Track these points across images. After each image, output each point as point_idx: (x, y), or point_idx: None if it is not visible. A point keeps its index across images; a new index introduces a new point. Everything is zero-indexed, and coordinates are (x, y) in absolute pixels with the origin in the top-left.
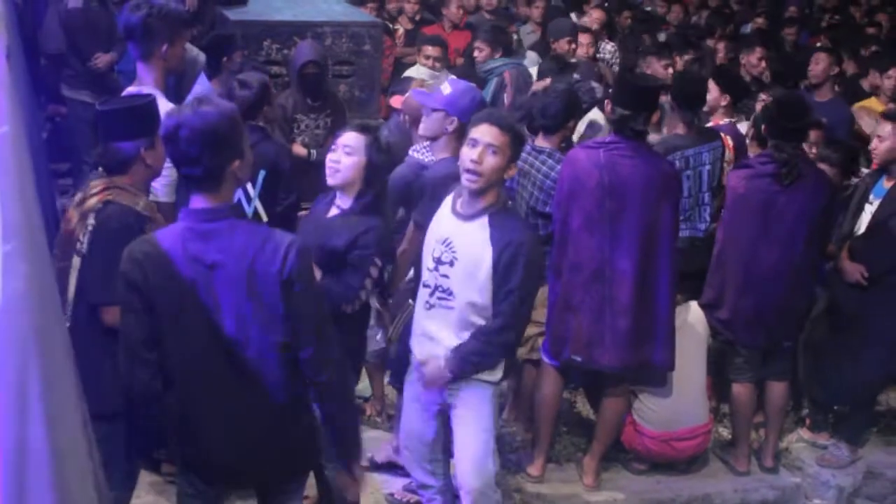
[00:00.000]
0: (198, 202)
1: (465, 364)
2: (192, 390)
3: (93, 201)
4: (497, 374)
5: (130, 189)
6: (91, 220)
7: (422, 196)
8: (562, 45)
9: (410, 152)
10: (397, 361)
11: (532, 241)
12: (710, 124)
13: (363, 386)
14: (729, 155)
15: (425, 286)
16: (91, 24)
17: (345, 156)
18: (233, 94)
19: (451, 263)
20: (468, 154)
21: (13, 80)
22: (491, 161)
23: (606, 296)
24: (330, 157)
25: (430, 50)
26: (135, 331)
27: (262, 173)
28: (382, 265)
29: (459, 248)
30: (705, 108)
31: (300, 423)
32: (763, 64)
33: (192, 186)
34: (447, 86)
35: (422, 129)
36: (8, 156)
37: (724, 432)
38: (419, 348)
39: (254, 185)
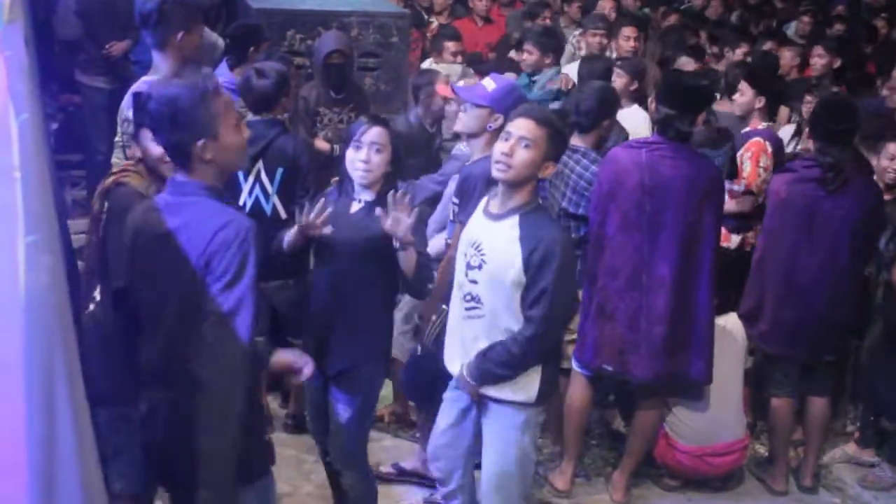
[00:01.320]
0: (177, 175)
1: (484, 373)
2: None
3: (109, 181)
4: (529, 393)
5: (144, 174)
6: (105, 206)
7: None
8: (591, 39)
9: (462, 148)
10: (417, 371)
11: (565, 241)
12: (746, 129)
13: (386, 392)
14: (766, 161)
15: (458, 294)
16: (109, 9)
17: (375, 153)
18: (250, 84)
19: (480, 267)
20: (500, 147)
21: (30, 68)
22: (523, 155)
23: (642, 303)
24: (355, 155)
25: (450, 45)
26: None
27: (279, 170)
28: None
29: (488, 250)
30: (738, 112)
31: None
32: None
33: (173, 161)
34: (490, 82)
35: (460, 125)
36: (30, 143)
37: (761, 449)
38: (454, 361)
39: (272, 182)
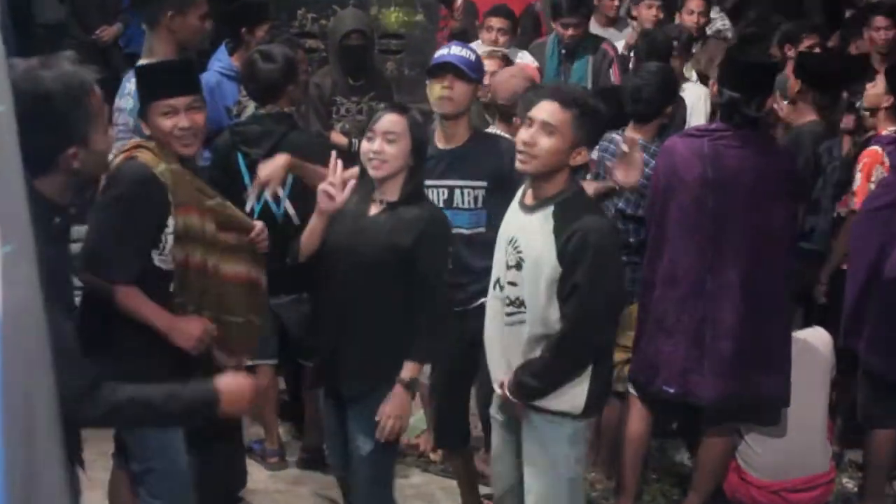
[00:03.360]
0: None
1: (521, 386)
2: None
3: (119, 159)
4: (575, 402)
5: (158, 152)
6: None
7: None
8: (645, 12)
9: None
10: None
11: (604, 229)
12: (869, 133)
13: (417, 418)
14: (881, 173)
15: (496, 300)
16: None
17: (387, 144)
18: (254, 69)
19: (519, 266)
20: (521, 135)
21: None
22: (546, 143)
23: (707, 314)
24: (367, 147)
25: (494, 21)
26: None
27: None
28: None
29: (525, 247)
30: (865, 105)
31: None
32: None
33: None
34: (465, 49)
35: (449, 105)
36: (7, 140)
37: (849, 484)
38: (497, 377)
39: (283, 185)
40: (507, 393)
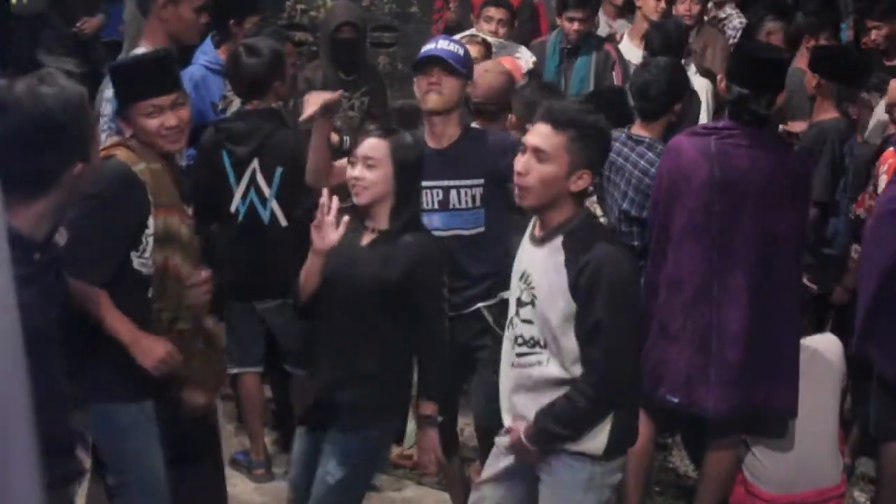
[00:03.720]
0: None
1: (543, 433)
2: None
3: None
4: (596, 443)
5: (137, 149)
6: None
7: None
8: (648, 3)
9: None
10: None
11: (617, 258)
12: (891, 131)
13: (410, 428)
14: None
15: (508, 339)
16: None
17: (367, 170)
18: (239, 63)
19: (533, 304)
20: (516, 164)
21: None
22: (538, 171)
23: (713, 320)
24: (350, 172)
25: (492, 11)
26: None
27: (279, 170)
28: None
29: (537, 282)
30: (886, 102)
31: None
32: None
33: (10, 193)
34: (452, 43)
35: (438, 102)
36: None
37: (861, 498)
38: (505, 416)
39: (269, 184)
40: (526, 440)
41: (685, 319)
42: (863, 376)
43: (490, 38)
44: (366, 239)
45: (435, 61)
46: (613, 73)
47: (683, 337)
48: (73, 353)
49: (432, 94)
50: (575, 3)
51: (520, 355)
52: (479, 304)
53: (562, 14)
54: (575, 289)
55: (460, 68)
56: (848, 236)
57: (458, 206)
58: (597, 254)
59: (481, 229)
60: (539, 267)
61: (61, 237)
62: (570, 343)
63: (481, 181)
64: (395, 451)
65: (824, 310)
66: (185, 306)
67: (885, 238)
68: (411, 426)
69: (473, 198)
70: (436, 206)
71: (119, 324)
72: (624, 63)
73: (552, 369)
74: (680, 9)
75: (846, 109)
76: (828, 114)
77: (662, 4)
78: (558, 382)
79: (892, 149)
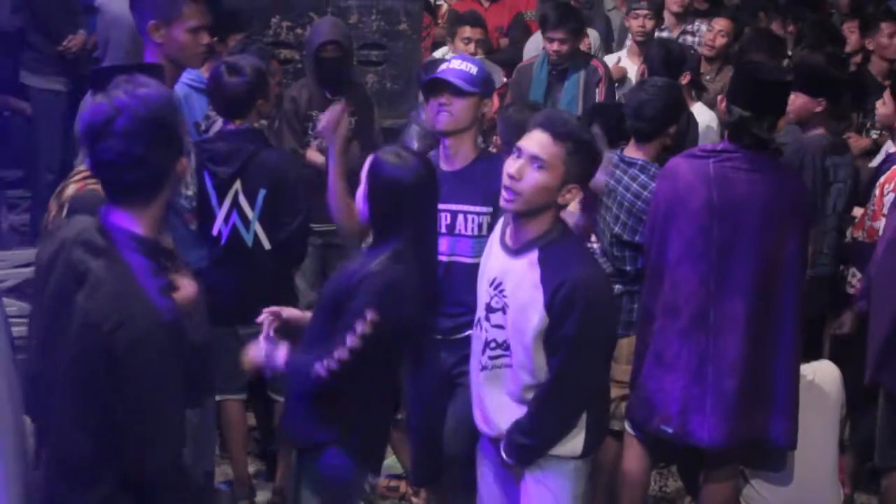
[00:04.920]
0: (123, 220)
1: (515, 448)
2: None
3: (71, 189)
4: (573, 448)
5: None
6: (65, 213)
7: None
8: (631, 22)
9: None
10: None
11: (594, 278)
12: (892, 150)
13: (390, 462)
14: None
15: (477, 341)
16: None
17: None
18: (220, 82)
19: (504, 311)
20: (507, 166)
21: None
22: (533, 178)
23: (710, 348)
24: (361, 193)
25: (468, 31)
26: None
27: (262, 191)
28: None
29: (510, 294)
30: (879, 128)
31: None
32: None
33: (118, 199)
34: (466, 63)
35: (448, 122)
36: None
37: None
38: (478, 421)
39: (252, 206)
40: (505, 456)
41: (681, 347)
42: (862, 405)
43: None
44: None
45: (442, 85)
46: (597, 90)
47: (678, 365)
48: None
49: (442, 114)
50: (555, 22)
51: (492, 358)
52: (469, 332)
53: (543, 33)
54: (551, 306)
55: (471, 88)
56: (837, 257)
57: (463, 231)
58: (574, 273)
59: None
60: (513, 278)
61: (166, 240)
62: (535, 360)
63: (489, 209)
64: (381, 482)
65: (817, 333)
66: None
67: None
68: (391, 458)
69: (480, 226)
70: (443, 229)
71: None
72: (610, 79)
73: (524, 377)
74: (633, 24)
75: (836, 125)
76: (812, 129)
77: (641, 23)
78: (528, 387)
79: (895, 168)
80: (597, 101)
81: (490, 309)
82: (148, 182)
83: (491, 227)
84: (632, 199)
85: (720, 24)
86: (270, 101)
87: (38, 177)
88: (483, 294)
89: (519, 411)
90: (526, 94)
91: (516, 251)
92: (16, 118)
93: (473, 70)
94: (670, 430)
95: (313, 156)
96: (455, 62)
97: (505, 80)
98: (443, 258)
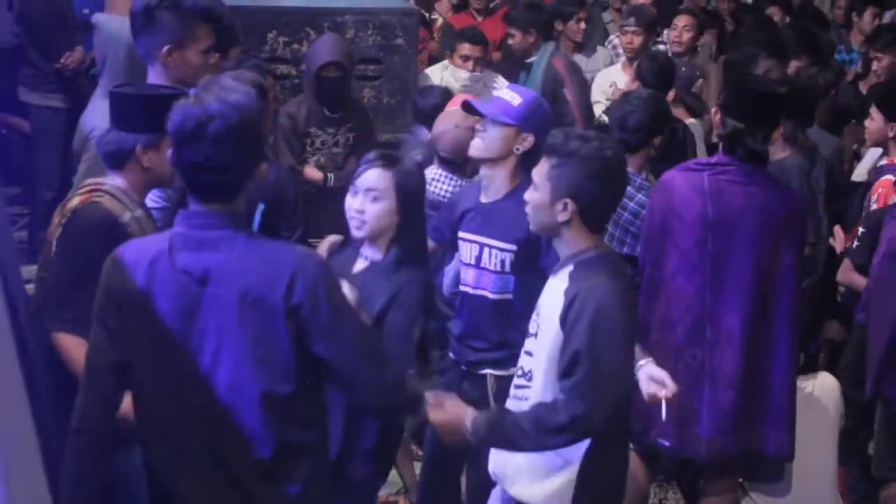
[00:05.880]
0: (197, 205)
1: (492, 434)
2: (161, 439)
3: (75, 201)
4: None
5: (121, 198)
6: (64, 223)
7: None
8: (621, 39)
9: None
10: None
11: (607, 288)
12: (883, 162)
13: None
14: None
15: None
16: (57, 10)
17: (370, 203)
18: None
19: (536, 335)
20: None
21: None
22: (531, 198)
23: (706, 362)
24: (351, 202)
25: (468, 49)
26: (102, 357)
27: (260, 207)
28: (425, 323)
29: (543, 312)
30: (868, 142)
31: (292, 482)
32: None
33: (202, 197)
34: (512, 93)
35: (479, 149)
36: None
37: None
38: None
39: (251, 222)
40: (471, 427)
41: (677, 361)
42: (861, 417)
43: (465, 73)
44: (358, 265)
45: (475, 111)
46: (565, 92)
47: (675, 379)
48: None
49: (476, 139)
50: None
51: (517, 387)
52: (488, 370)
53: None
54: (564, 318)
55: (508, 120)
56: (820, 267)
57: (487, 266)
58: (590, 283)
59: (508, 296)
60: (547, 296)
61: None
62: (553, 380)
63: (513, 248)
64: (380, 496)
65: (811, 343)
66: None
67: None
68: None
69: (502, 262)
70: (472, 260)
71: None
72: (575, 80)
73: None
74: (623, 40)
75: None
76: (781, 152)
77: (629, 39)
78: None
79: (885, 178)
80: (570, 101)
81: (528, 334)
82: (231, 184)
83: (514, 266)
84: (618, 211)
85: (682, 20)
86: (269, 117)
87: (37, 194)
88: (531, 323)
89: (520, 458)
90: None
91: (556, 269)
92: (13, 135)
93: (517, 101)
94: (667, 444)
95: (311, 172)
96: (504, 91)
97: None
98: (467, 289)
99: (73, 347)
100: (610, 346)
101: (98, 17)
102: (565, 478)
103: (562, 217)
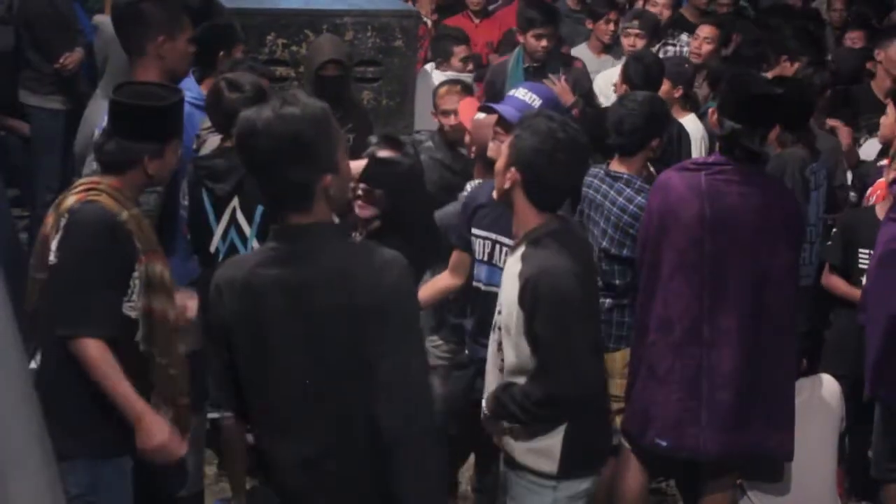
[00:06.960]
0: (290, 219)
1: (502, 408)
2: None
3: (71, 200)
4: (551, 458)
5: (117, 196)
6: (63, 223)
7: None
8: (624, 40)
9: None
10: None
11: (558, 268)
12: (883, 163)
13: None
14: None
15: (493, 341)
16: (54, 11)
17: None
18: (220, 98)
19: (500, 311)
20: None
21: None
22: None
23: (703, 362)
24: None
25: (462, 50)
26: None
27: (259, 208)
28: None
29: (503, 292)
30: (880, 140)
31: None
32: None
33: (276, 206)
34: (529, 93)
35: (496, 150)
36: None
37: None
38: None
39: (250, 223)
40: (486, 408)
41: (675, 361)
42: (862, 418)
43: (465, 77)
44: None
45: (492, 114)
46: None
47: (673, 379)
48: (58, 406)
49: (494, 142)
50: (542, 20)
51: (503, 360)
52: None
53: (527, 31)
54: (522, 300)
55: None
56: (817, 264)
57: (499, 263)
58: (542, 266)
59: None
60: (506, 276)
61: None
62: (518, 358)
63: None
64: None
65: (811, 344)
66: (175, 351)
67: (891, 278)
68: None
69: None
70: (484, 257)
71: (130, 398)
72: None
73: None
74: (625, 42)
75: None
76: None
77: (631, 42)
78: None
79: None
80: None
81: (498, 311)
82: (293, 194)
83: None
84: (618, 213)
85: (705, 31)
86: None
87: (37, 196)
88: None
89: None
90: (500, 91)
91: (513, 248)
92: (12, 137)
93: (536, 103)
94: (665, 444)
95: None
96: (521, 91)
97: None
98: (480, 286)
99: (99, 353)
100: (567, 325)
101: (99, 19)
102: (552, 436)
103: (507, 184)
